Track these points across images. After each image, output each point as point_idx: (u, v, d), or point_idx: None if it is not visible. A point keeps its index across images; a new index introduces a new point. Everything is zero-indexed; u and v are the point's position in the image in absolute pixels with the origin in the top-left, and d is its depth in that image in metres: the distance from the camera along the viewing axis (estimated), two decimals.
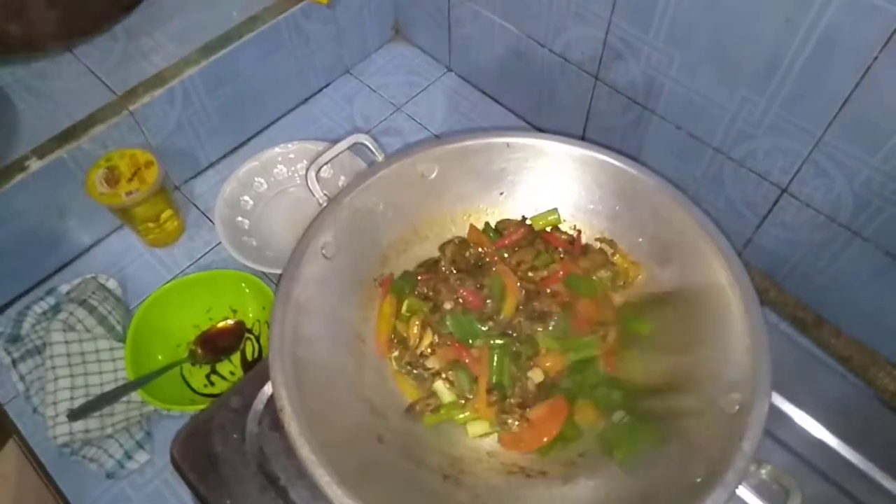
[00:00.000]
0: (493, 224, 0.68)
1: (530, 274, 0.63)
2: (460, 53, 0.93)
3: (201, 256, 0.81)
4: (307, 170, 0.61)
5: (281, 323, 0.53)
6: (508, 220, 0.67)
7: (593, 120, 0.80)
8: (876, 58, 0.51)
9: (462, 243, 0.66)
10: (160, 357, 0.72)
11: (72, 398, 0.66)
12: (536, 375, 0.59)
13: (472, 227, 0.67)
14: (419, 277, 0.64)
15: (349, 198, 0.59)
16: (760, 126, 0.62)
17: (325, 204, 0.60)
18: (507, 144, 0.63)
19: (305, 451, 0.47)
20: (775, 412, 0.61)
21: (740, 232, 0.72)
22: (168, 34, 0.79)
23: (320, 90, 0.95)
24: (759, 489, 0.57)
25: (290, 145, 0.83)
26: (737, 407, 0.49)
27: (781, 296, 0.72)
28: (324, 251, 0.58)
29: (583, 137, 0.83)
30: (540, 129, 0.89)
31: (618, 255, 0.64)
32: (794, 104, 0.59)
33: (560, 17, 0.73)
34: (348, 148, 0.63)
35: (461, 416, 0.59)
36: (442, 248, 0.66)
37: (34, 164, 0.70)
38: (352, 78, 0.96)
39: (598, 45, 0.71)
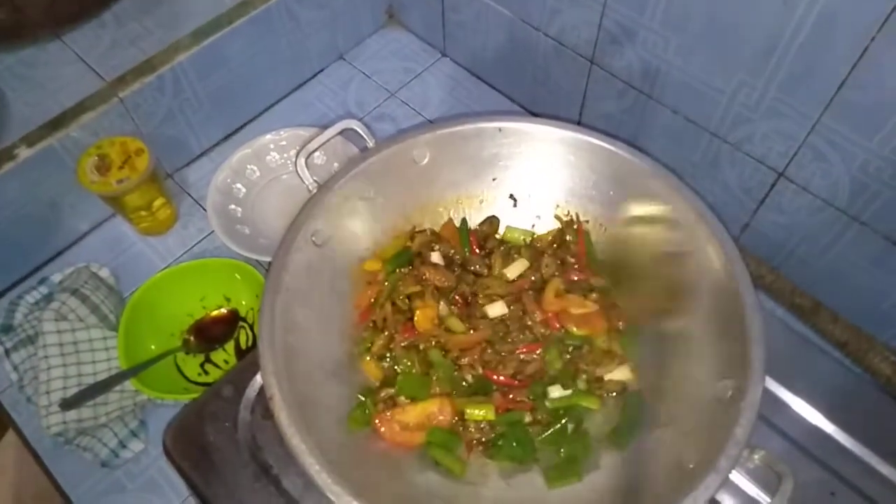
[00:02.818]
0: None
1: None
2: (455, 38, 0.92)
3: (195, 244, 0.80)
4: (297, 157, 0.60)
5: (271, 311, 0.52)
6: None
7: (589, 105, 0.79)
8: (873, 39, 0.50)
9: (434, 235, 0.65)
10: (153, 346, 0.72)
11: (65, 388, 0.66)
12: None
13: (449, 221, 0.66)
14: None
15: (339, 184, 0.59)
16: (757, 109, 0.61)
17: (315, 191, 0.59)
18: (500, 129, 0.62)
19: (295, 440, 0.47)
20: (771, 398, 0.61)
21: (738, 217, 0.72)
22: (157, 20, 0.78)
23: (314, 76, 0.94)
24: (752, 474, 0.57)
25: (282, 132, 0.83)
26: (730, 393, 0.48)
27: (779, 281, 0.71)
28: (314, 238, 0.57)
29: (579, 122, 0.82)
30: (536, 115, 0.88)
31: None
32: (791, 87, 0.58)
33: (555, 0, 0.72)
34: (338, 134, 0.62)
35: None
36: (412, 236, 0.65)
37: (24, 153, 0.69)
38: (345, 63, 0.95)
39: (593, 28, 0.70)
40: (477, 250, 0.65)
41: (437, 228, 0.67)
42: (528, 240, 0.67)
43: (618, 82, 0.73)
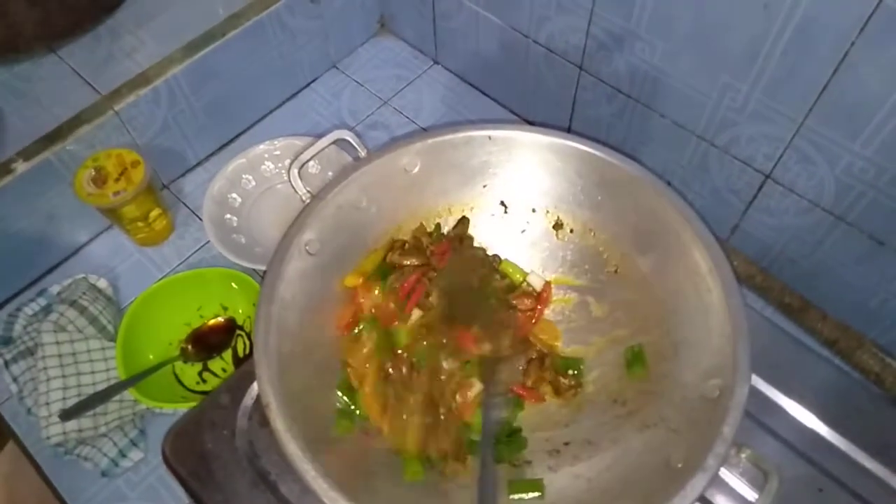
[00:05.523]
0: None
1: None
2: (446, 46, 0.93)
3: (191, 254, 0.81)
4: (289, 167, 0.61)
5: (266, 320, 0.53)
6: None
7: (579, 110, 0.80)
8: (853, 43, 0.51)
9: (409, 243, 0.66)
10: (151, 356, 0.73)
11: (64, 398, 0.67)
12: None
13: (420, 226, 0.67)
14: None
15: (332, 194, 0.59)
16: (743, 112, 0.62)
17: (308, 201, 0.60)
18: (489, 137, 0.63)
19: (291, 447, 0.48)
20: (759, 396, 0.62)
21: (726, 219, 0.73)
22: (151, 33, 0.79)
23: (307, 85, 0.95)
24: (740, 471, 0.57)
25: (276, 142, 0.83)
26: (717, 392, 0.49)
27: (768, 281, 0.72)
28: (307, 248, 0.58)
29: (569, 128, 0.83)
30: (528, 121, 0.89)
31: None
32: (775, 90, 0.59)
33: (543, 7, 0.73)
34: (331, 144, 0.63)
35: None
36: (391, 248, 0.65)
37: (20, 167, 0.70)
38: (338, 73, 0.96)
39: (581, 35, 0.71)
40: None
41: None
42: (521, 278, 0.66)
43: (606, 88, 0.74)
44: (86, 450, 0.67)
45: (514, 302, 0.64)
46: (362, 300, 0.62)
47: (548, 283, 0.66)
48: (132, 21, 0.80)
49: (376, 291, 0.62)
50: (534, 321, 0.64)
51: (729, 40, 0.59)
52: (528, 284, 0.66)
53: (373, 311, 0.62)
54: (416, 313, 0.62)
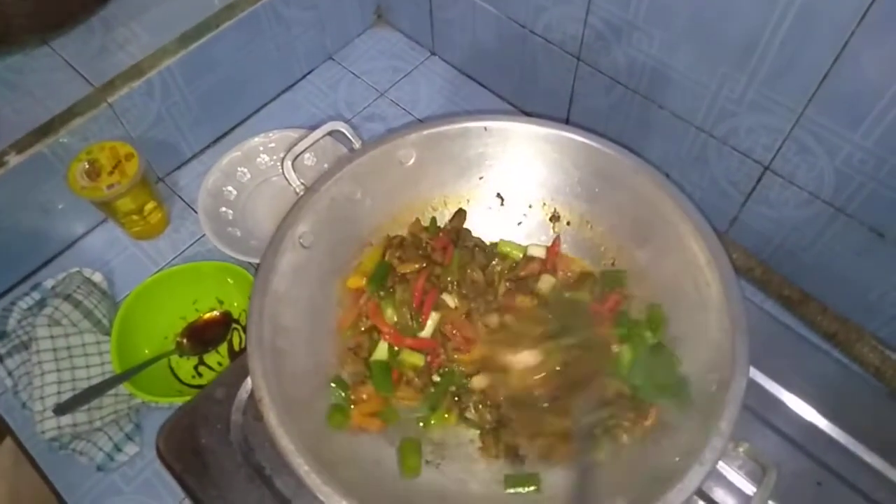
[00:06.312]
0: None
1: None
2: (443, 37, 0.92)
3: (187, 248, 0.80)
4: (283, 159, 0.60)
5: (259, 314, 0.53)
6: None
7: (577, 102, 0.80)
8: (853, 32, 0.51)
9: (406, 240, 0.65)
10: (147, 350, 0.72)
11: (59, 392, 0.66)
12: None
13: (416, 221, 0.66)
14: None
15: (326, 186, 0.59)
16: (742, 103, 0.62)
17: (301, 193, 0.59)
18: (485, 128, 0.62)
19: (284, 441, 0.48)
20: (758, 390, 0.62)
21: (725, 211, 0.72)
22: (145, 24, 0.78)
23: (303, 77, 0.94)
24: (737, 465, 0.57)
25: (271, 134, 0.83)
26: (715, 386, 0.49)
27: (767, 274, 0.72)
28: (301, 240, 0.57)
29: (567, 120, 0.82)
30: (525, 112, 0.88)
31: None
32: (775, 80, 0.58)
33: None
34: (325, 136, 0.63)
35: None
36: (388, 243, 0.65)
37: (13, 159, 0.70)
38: (335, 64, 0.95)
39: (578, 25, 0.71)
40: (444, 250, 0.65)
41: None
42: (520, 256, 0.66)
43: (604, 79, 0.73)
44: (81, 444, 0.67)
45: (523, 273, 0.64)
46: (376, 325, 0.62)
47: (557, 237, 0.65)
48: (125, 12, 0.79)
49: (389, 311, 0.62)
50: (549, 265, 0.64)
51: (728, 30, 0.58)
52: (531, 257, 0.65)
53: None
54: (434, 317, 0.61)
